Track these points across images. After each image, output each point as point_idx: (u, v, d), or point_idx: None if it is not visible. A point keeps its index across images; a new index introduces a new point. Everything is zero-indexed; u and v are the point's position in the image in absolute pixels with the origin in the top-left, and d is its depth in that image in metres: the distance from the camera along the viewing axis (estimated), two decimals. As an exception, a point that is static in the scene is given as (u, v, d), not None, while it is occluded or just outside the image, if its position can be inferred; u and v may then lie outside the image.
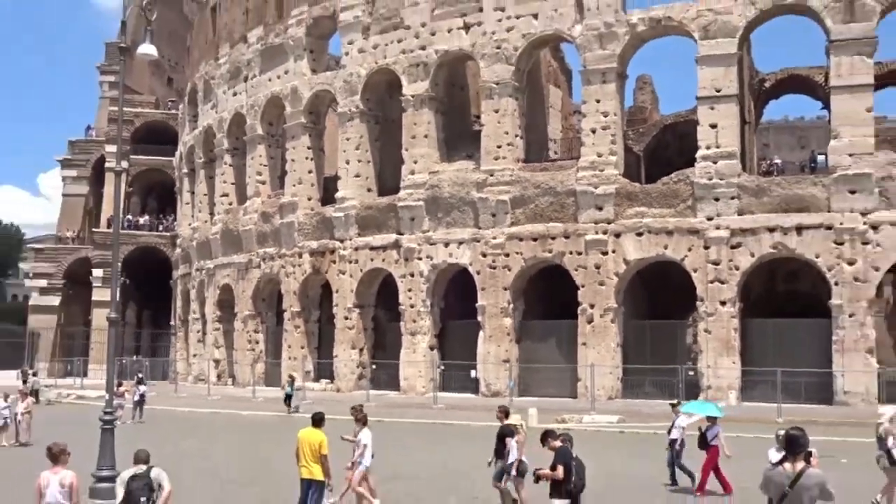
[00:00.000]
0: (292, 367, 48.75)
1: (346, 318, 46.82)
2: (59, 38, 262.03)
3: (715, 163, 37.79)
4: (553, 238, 40.59)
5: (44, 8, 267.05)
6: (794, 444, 7.72)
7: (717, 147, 37.83)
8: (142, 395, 36.12)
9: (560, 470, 11.33)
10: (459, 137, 46.90)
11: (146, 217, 77.27)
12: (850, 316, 35.57)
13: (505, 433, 15.08)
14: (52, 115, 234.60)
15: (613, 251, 39.33)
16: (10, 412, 27.58)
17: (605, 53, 40.16)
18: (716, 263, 37.50)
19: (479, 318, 42.02)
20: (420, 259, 43.84)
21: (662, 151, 48.86)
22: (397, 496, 17.27)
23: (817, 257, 36.37)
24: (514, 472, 14.77)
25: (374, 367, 45.79)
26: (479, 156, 43.28)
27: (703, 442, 17.86)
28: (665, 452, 18.94)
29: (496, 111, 42.81)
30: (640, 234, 38.97)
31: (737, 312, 37.42)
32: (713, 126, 38.11)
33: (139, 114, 76.22)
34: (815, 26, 37.80)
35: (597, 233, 39.53)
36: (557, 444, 11.71)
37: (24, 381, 44.97)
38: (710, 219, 37.75)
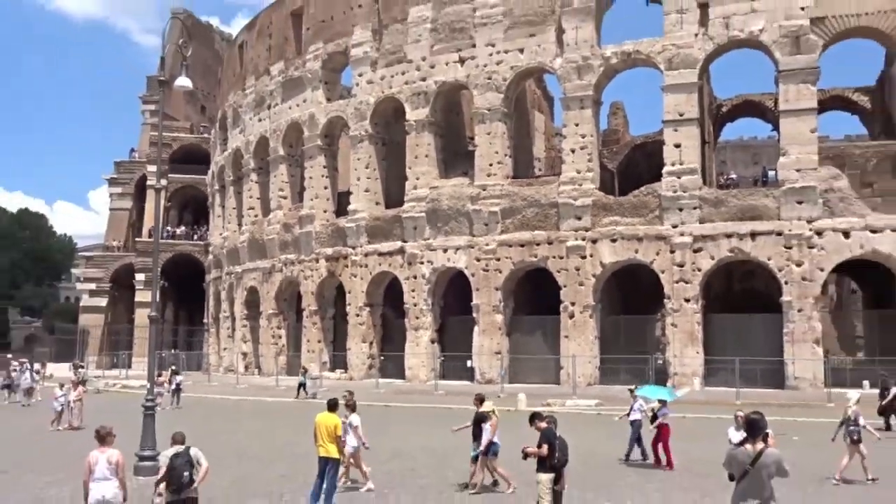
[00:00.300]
0: (310, 358, 48.76)
1: (358, 316, 46.78)
2: (106, 72, 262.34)
3: (679, 178, 37.81)
4: (538, 244, 40.58)
5: (94, 46, 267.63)
6: (754, 427, 7.75)
7: (681, 164, 37.86)
8: (178, 384, 36.07)
9: (545, 448, 11.32)
10: (456, 157, 46.92)
11: (182, 228, 77.28)
12: (799, 311, 35.59)
13: (480, 418, 15.06)
14: (101, 139, 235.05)
15: (591, 255, 39.32)
16: (65, 400, 27.55)
17: (583, 83, 40.20)
18: (680, 265, 37.50)
19: (474, 315, 41.99)
20: (422, 263, 43.81)
21: (633, 168, 48.90)
22: (401, 471, 17.22)
23: (769, 260, 36.38)
24: (485, 452, 14.75)
25: (382, 358, 45.79)
26: (473, 173, 43.28)
27: (654, 420, 17.98)
28: (629, 431, 18.89)
29: (488, 134, 42.84)
30: (614, 241, 38.97)
31: (699, 308, 37.43)
32: (677, 146, 38.14)
33: (176, 138, 76.26)
34: (765, 58, 37.85)
35: (576, 239, 39.52)
36: (543, 425, 11.72)
37: (75, 373, 44.89)
38: (675, 226, 37.76)
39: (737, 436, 14.07)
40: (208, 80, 78.65)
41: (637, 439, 18.55)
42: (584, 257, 39.40)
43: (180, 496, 9.82)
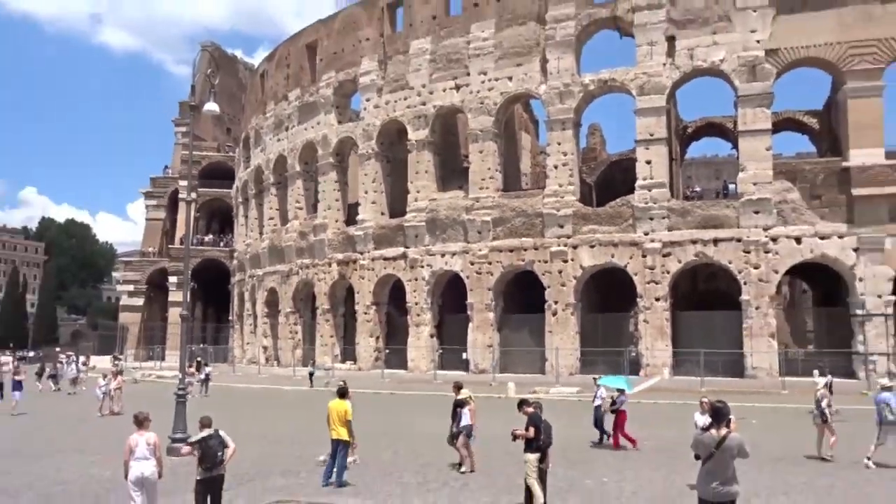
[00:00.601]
0: (323, 352, 48.70)
1: (366, 314, 46.70)
2: (144, 98, 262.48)
3: (650, 191, 37.82)
4: (525, 250, 40.55)
5: (133, 76, 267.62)
6: (718, 415, 7.79)
7: (652, 178, 37.87)
8: (207, 375, 35.97)
9: (532, 430, 11.31)
10: (452, 172, 46.91)
11: (210, 236, 77.26)
12: (756, 308, 35.60)
13: (458, 404, 15.03)
14: (139, 157, 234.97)
15: (572, 259, 39.31)
16: (106, 388, 27.48)
17: (564, 107, 40.22)
18: (651, 268, 37.50)
19: (469, 313, 41.93)
20: (422, 267, 43.75)
21: (609, 182, 48.89)
22: (405, 452, 17.17)
23: (730, 263, 36.39)
24: (465, 433, 14.72)
25: (387, 351, 45.69)
26: (468, 186, 43.26)
27: (613, 407, 17.94)
28: (591, 416, 18.85)
29: (480, 152, 42.83)
30: (592, 246, 38.96)
31: (668, 306, 37.43)
32: (648, 162, 38.16)
33: (205, 156, 76.26)
34: (725, 85, 37.89)
35: (559, 245, 39.50)
36: (530, 410, 11.72)
37: (114, 364, 44.80)
38: (646, 234, 37.77)
39: (702, 419, 14.06)
40: (233, 106, 78.70)
41: (599, 422, 18.46)
42: (566, 261, 39.37)
43: (212, 473, 9.83)
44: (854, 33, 35.15)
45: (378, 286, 46.40)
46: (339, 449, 13.42)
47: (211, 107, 20.32)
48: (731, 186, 42.92)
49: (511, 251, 40.97)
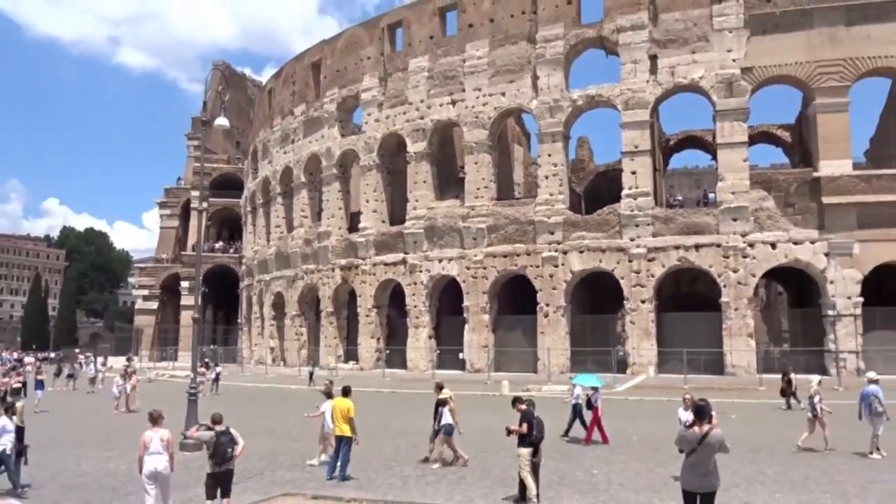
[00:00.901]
0: (327, 352, 48.59)
1: (367, 316, 46.61)
2: (158, 114, 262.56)
3: (635, 199, 37.86)
4: (518, 255, 40.54)
5: (148, 93, 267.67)
6: (701, 412, 7.80)
7: (637, 188, 37.91)
8: (217, 374, 35.84)
9: (525, 426, 11.29)
10: (449, 182, 46.90)
11: (220, 243, 77.08)
12: (735, 310, 35.63)
13: (440, 403, 14.84)
14: (153, 169, 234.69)
15: (562, 264, 39.30)
16: (122, 387, 27.37)
17: (554, 121, 40.28)
18: (637, 272, 37.51)
19: (465, 315, 41.87)
20: (421, 272, 43.70)
21: (597, 191, 48.91)
22: (406, 447, 17.11)
23: (710, 267, 36.43)
24: (445, 431, 14.59)
25: (388, 351, 45.57)
26: (464, 195, 43.27)
27: (589, 404, 17.81)
28: (569, 413, 18.68)
29: (475, 163, 42.85)
30: (581, 252, 38.96)
31: (653, 308, 37.42)
32: (633, 173, 38.20)
33: (215, 168, 76.16)
34: (704, 100, 37.99)
35: (550, 251, 39.50)
36: (523, 407, 11.71)
37: (126, 366, 44.58)
38: (632, 240, 37.79)
39: (685, 415, 14.04)
40: (242, 120, 78.70)
41: (575, 418, 18.31)
42: (556, 266, 39.37)
43: (221, 468, 9.80)
44: (821, 53, 35.39)
45: (379, 290, 46.32)
46: (343, 444, 13.38)
47: (221, 121, 20.32)
48: (711, 195, 42.97)
49: (505, 256, 40.94)
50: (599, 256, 38.50)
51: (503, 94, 42.06)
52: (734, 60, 36.48)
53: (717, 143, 37.51)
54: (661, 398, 27.00)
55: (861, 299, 34.41)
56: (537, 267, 39.79)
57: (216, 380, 35.28)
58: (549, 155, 40.49)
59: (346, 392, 13.99)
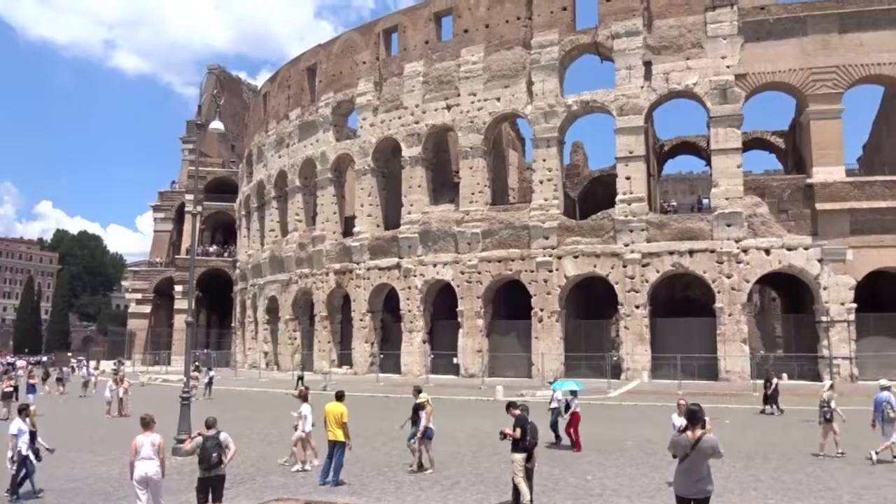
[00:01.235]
0: (321, 357, 48.47)
1: (361, 320, 46.51)
2: (153, 117, 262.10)
3: (630, 205, 37.92)
4: (513, 260, 40.54)
5: (143, 96, 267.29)
6: (694, 417, 7.79)
7: (631, 193, 37.98)
8: (210, 378, 35.70)
9: (519, 431, 11.26)
10: (443, 187, 46.93)
11: (214, 247, 76.85)
12: (729, 315, 35.68)
13: (418, 407, 14.74)
14: (147, 173, 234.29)
15: (557, 269, 39.31)
16: (115, 392, 27.23)
17: (549, 126, 40.35)
18: (631, 278, 37.54)
19: (459, 320, 41.82)
20: (415, 276, 43.66)
21: (591, 196, 49.04)
22: (399, 453, 17.02)
23: (704, 272, 36.49)
24: (421, 435, 14.45)
25: (381, 356, 45.51)
26: (458, 200, 43.28)
27: (567, 409, 17.73)
28: (548, 419, 18.57)
29: (470, 168, 42.87)
30: (576, 257, 38.99)
31: (647, 313, 37.44)
32: (628, 178, 38.27)
33: (210, 172, 75.95)
34: (699, 106, 38.07)
35: (545, 256, 39.51)
36: (517, 412, 11.67)
37: (114, 370, 44.37)
38: (626, 245, 37.83)
39: (679, 420, 14.00)
40: (237, 124, 78.65)
41: (554, 423, 18.17)
42: (550, 271, 39.38)
43: (210, 474, 9.71)
44: (815, 61, 35.56)
45: (373, 294, 46.24)
46: (336, 449, 13.32)
47: (216, 125, 20.28)
48: (705, 201, 43.08)
49: (499, 261, 40.94)
50: (594, 261, 38.52)
51: (498, 99, 42.12)
52: (728, 67, 36.63)
53: (711, 149, 37.61)
54: (656, 403, 27.01)
55: (854, 305, 34.51)
56: (532, 272, 39.79)
57: (209, 384, 35.14)
58: (544, 160, 40.55)
59: (339, 397, 13.93)
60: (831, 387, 17.15)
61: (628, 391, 32.33)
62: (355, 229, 47.58)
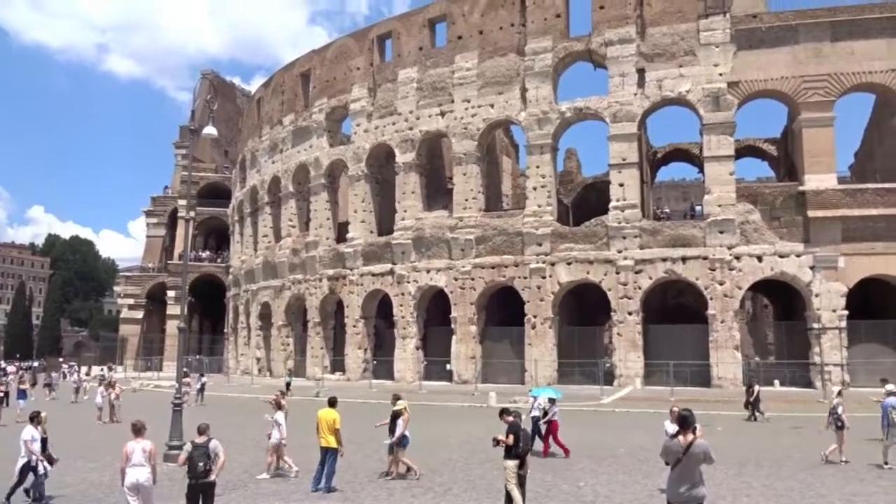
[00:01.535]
0: (314, 363, 48.34)
1: (354, 327, 46.43)
2: (146, 122, 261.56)
3: (623, 211, 38.02)
4: (506, 266, 40.57)
5: (137, 101, 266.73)
6: (685, 422, 7.79)
7: (624, 200, 38.08)
8: (203, 384, 35.56)
9: (511, 438, 11.24)
10: (437, 193, 46.95)
11: (207, 252, 76.70)
12: (722, 322, 35.76)
13: (395, 415, 14.68)
14: (140, 178, 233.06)
15: (550, 276, 39.36)
16: (107, 397, 27.09)
17: (543, 133, 40.45)
18: (624, 284, 37.61)
19: (453, 326, 41.78)
20: (409, 282, 43.63)
21: (585, 203, 49.13)
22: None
23: (697, 279, 36.58)
24: (397, 443, 14.44)
25: (375, 362, 45.42)
26: (452, 206, 43.31)
27: (545, 417, 17.60)
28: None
29: (464, 174, 42.93)
30: (569, 263, 39.05)
31: (640, 320, 37.48)
32: (621, 185, 38.37)
33: (203, 177, 75.82)
34: (691, 114, 38.24)
35: (538, 262, 39.56)
36: (510, 419, 11.65)
37: (101, 376, 44.08)
38: (619, 252, 37.91)
39: (672, 427, 14.01)
40: (231, 129, 78.52)
41: (535, 432, 18.00)
42: (544, 277, 39.43)
43: (198, 482, 9.64)
44: (807, 69, 35.80)
45: (366, 301, 46.19)
46: (328, 456, 13.29)
47: (210, 130, 20.26)
48: (698, 208, 43.23)
49: (493, 268, 40.96)
50: (587, 268, 38.58)
51: (492, 105, 42.22)
52: (721, 75, 36.83)
53: (704, 156, 37.76)
54: (648, 410, 27.03)
55: (846, 312, 34.66)
56: (525, 278, 39.82)
57: (201, 390, 35.00)
58: (538, 167, 40.64)
59: (332, 403, 13.91)
60: (840, 393, 17.15)
61: (621, 398, 32.37)
62: (349, 235, 47.55)
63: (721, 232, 36.15)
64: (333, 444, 13.27)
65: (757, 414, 25.02)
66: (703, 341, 35.99)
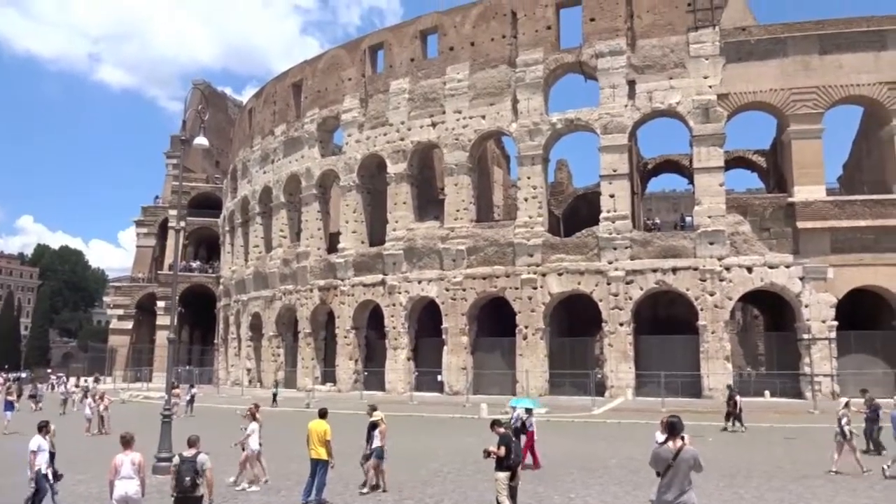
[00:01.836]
0: (305, 374, 48.11)
1: (345, 337, 46.29)
2: (137, 132, 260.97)
3: (613, 222, 38.18)
4: (497, 277, 40.61)
5: (128, 111, 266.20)
6: (673, 429, 7.78)
7: (615, 211, 38.25)
8: (192, 396, 35.33)
9: (503, 449, 11.22)
10: (428, 204, 47.00)
11: (198, 263, 76.27)
12: (712, 333, 35.89)
13: (372, 426, 14.60)
14: (131, 188, 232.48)
15: (541, 286, 39.42)
16: (95, 409, 26.89)
17: (534, 144, 40.63)
18: (615, 295, 37.71)
19: (444, 337, 41.74)
20: (400, 293, 43.59)
21: (576, 214, 49.30)
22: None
23: (687, 290, 36.72)
24: (373, 455, 14.34)
25: (366, 373, 45.27)
26: (443, 217, 43.37)
27: (523, 427, 17.31)
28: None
29: (455, 185, 43.02)
30: (560, 274, 39.13)
31: (631, 331, 37.57)
32: (612, 196, 38.55)
33: (194, 187, 75.59)
34: (681, 125, 38.53)
35: (529, 273, 39.62)
36: (501, 430, 11.63)
37: (87, 387, 43.65)
38: (610, 262, 38.03)
39: (662, 438, 14.03)
40: (222, 139, 78.42)
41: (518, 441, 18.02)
42: (535, 288, 39.48)
43: (185, 495, 9.51)
44: (795, 81, 36.17)
45: (357, 311, 46.09)
46: (319, 468, 13.22)
47: (201, 140, 20.27)
48: (688, 219, 43.44)
49: (484, 278, 41.00)
50: (578, 279, 38.67)
51: (483, 116, 42.38)
52: (710, 87, 37.15)
53: (694, 167, 38.01)
54: (639, 421, 27.03)
55: (835, 323, 34.86)
56: (516, 289, 39.87)
57: (191, 401, 34.77)
58: (529, 178, 40.78)
59: (322, 414, 13.86)
60: (846, 405, 17.05)
61: (612, 408, 32.37)
62: (340, 245, 47.50)
63: (711, 243, 36.34)
64: (324, 456, 13.20)
65: (737, 424, 25.01)
66: (693, 352, 36.08)
